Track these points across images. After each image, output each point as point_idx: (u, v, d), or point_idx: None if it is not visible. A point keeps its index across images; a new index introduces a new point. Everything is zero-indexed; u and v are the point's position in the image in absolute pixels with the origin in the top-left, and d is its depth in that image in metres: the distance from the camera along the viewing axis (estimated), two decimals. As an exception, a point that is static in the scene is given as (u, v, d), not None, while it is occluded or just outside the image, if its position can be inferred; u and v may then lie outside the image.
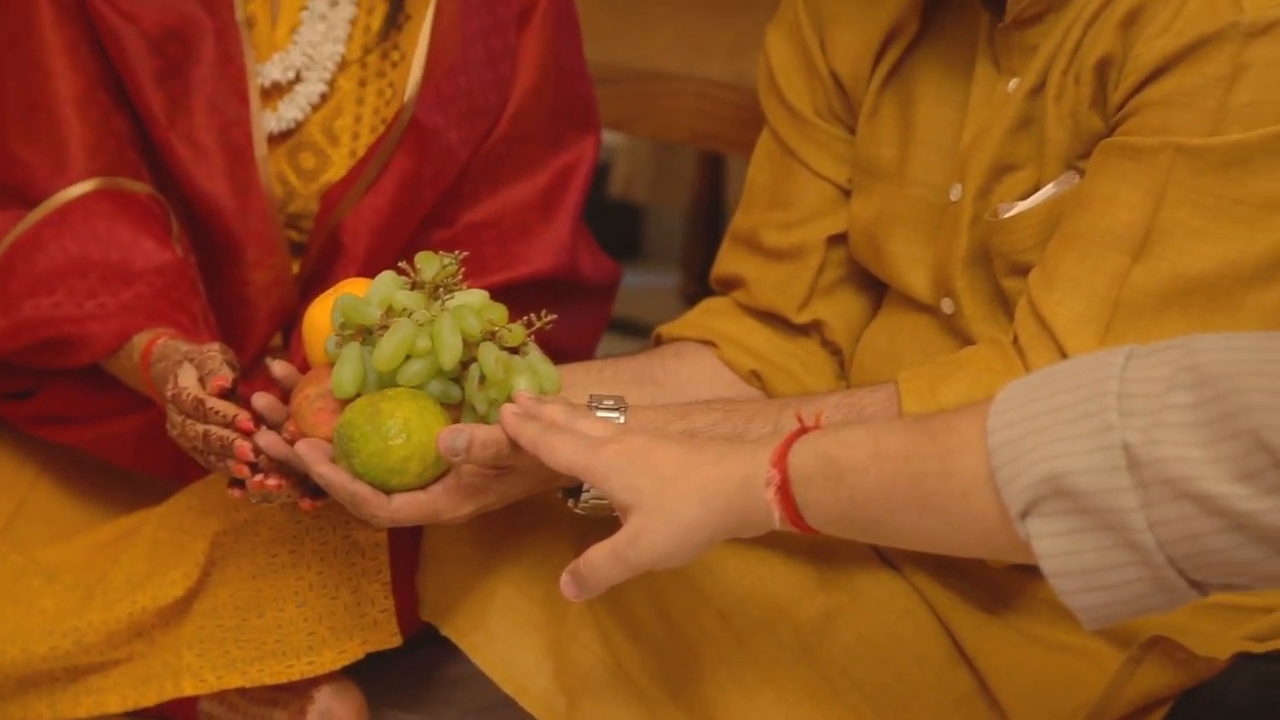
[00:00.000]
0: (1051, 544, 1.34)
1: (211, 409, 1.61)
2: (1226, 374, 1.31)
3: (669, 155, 3.54)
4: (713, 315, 1.86)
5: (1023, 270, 1.66)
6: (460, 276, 1.59)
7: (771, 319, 1.84)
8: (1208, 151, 1.56)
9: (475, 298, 1.59)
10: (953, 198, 1.71)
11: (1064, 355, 1.59)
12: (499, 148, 1.93)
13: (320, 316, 1.63)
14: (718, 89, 2.73)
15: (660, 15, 2.85)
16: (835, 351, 1.83)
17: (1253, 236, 1.56)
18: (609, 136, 3.24)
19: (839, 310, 1.82)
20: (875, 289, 1.82)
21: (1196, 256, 1.57)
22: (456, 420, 1.58)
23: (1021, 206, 1.67)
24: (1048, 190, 1.66)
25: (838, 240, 1.81)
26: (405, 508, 1.58)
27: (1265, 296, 1.57)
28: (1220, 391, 1.31)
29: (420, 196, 1.90)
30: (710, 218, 3.35)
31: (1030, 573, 1.56)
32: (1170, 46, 1.57)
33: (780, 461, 1.44)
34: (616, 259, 2.10)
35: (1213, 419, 1.30)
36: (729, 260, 1.87)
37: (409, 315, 1.57)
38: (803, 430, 1.46)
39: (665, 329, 1.88)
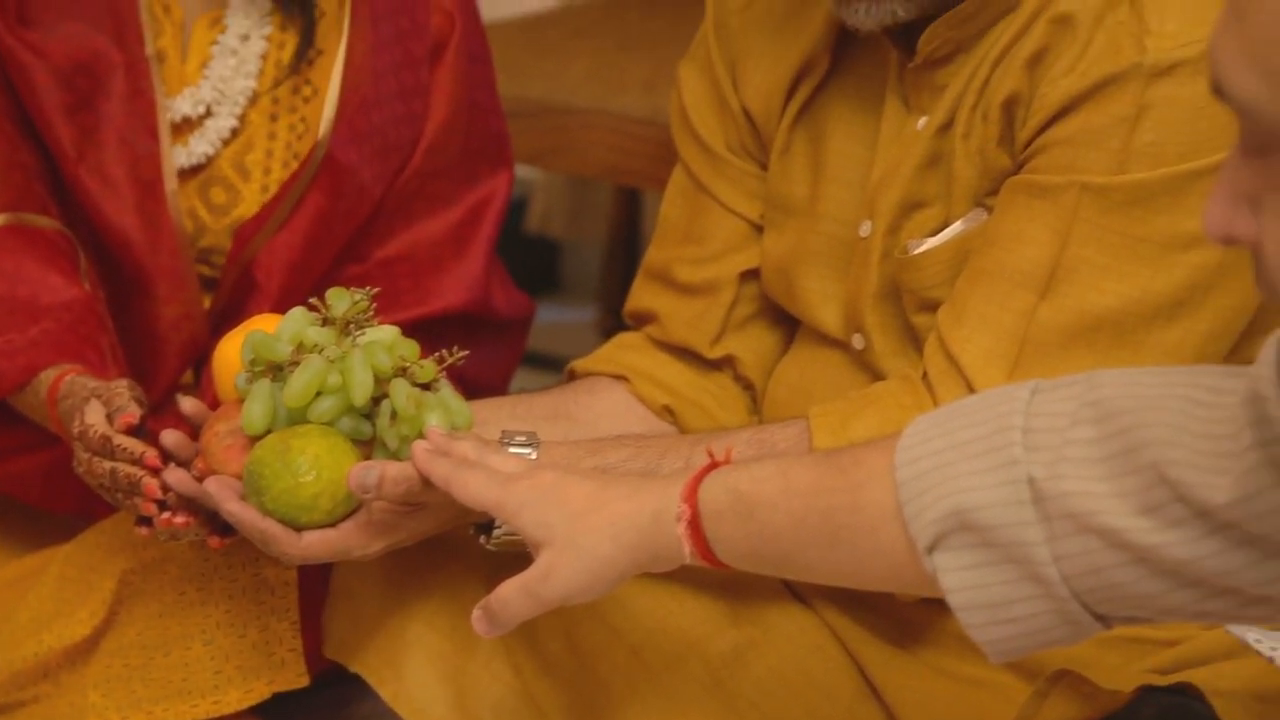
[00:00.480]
0: (958, 578, 1.35)
1: (119, 446, 1.60)
2: (1129, 409, 1.32)
3: (585, 190, 3.55)
4: (626, 350, 1.86)
5: (932, 306, 1.68)
6: (372, 312, 1.59)
7: (684, 354, 1.85)
8: (1112, 190, 1.58)
9: (387, 334, 1.59)
10: (863, 234, 1.72)
11: (972, 391, 1.60)
12: (412, 183, 1.93)
13: (230, 353, 1.63)
14: (633, 124, 2.74)
15: (575, 50, 2.86)
16: (748, 387, 1.84)
17: (1156, 274, 1.58)
18: (526, 171, 3.24)
19: (751, 345, 1.83)
20: (787, 324, 1.83)
21: (1102, 294, 1.59)
22: (368, 457, 1.58)
23: (930, 243, 1.68)
24: (956, 227, 1.67)
25: (750, 276, 1.82)
26: (315, 545, 1.57)
27: (1168, 333, 1.59)
28: (1123, 426, 1.32)
29: (334, 233, 1.90)
30: (627, 252, 3.36)
31: (938, 607, 1.57)
32: (1075, 86, 1.59)
33: (691, 496, 1.44)
34: (534, 293, 2.11)
35: (1115, 453, 1.32)
36: (642, 295, 1.87)
37: (320, 351, 1.57)
38: (713, 465, 1.47)
39: (578, 364, 1.88)
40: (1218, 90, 1.07)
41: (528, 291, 2.08)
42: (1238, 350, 1.63)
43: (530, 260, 3.58)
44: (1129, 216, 1.58)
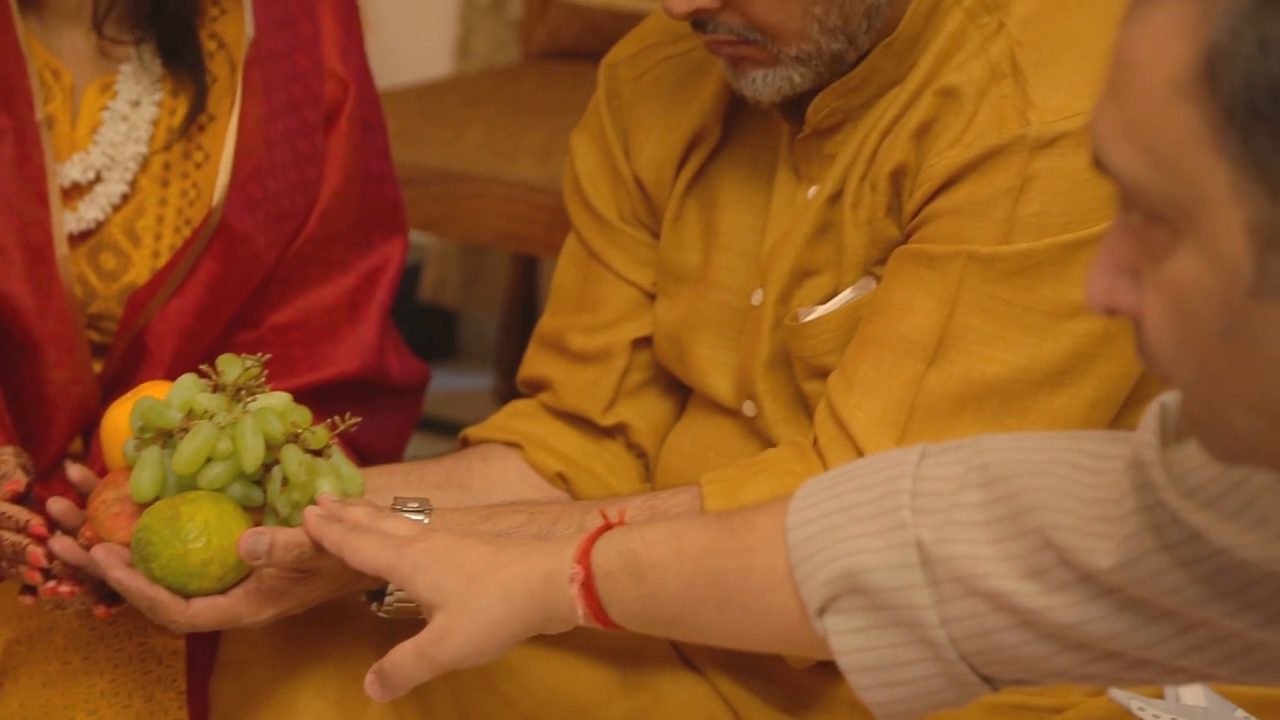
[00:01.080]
0: (848, 640, 1.36)
1: (3, 514, 1.59)
2: (1014, 473, 1.34)
3: (479, 257, 3.55)
4: (519, 418, 1.87)
5: (822, 373, 1.69)
6: (263, 379, 1.59)
7: (577, 421, 1.85)
8: (998, 260, 1.60)
9: (278, 400, 1.59)
10: (754, 302, 1.73)
11: (861, 457, 1.61)
12: (306, 250, 1.93)
13: (119, 420, 1.62)
14: (527, 191, 2.75)
15: (471, 118, 2.87)
16: (640, 455, 1.85)
17: (1041, 343, 1.60)
18: (419, 239, 3.25)
19: (644, 413, 1.84)
20: (679, 392, 1.84)
21: (989, 362, 1.61)
22: (258, 524, 1.58)
23: (820, 311, 1.69)
24: (846, 295, 1.69)
25: (643, 343, 1.83)
26: (204, 612, 1.56)
27: (1054, 400, 1.61)
28: (1008, 490, 1.33)
29: (227, 300, 1.89)
30: (523, 319, 3.36)
31: (830, 673, 1.58)
32: (961, 158, 1.61)
33: (584, 558, 1.45)
34: (432, 359, 2.11)
35: (1001, 517, 1.33)
36: (536, 363, 1.88)
37: (210, 418, 1.57)
38: (607, 527, 1.47)
39: (471, 431, 1.88)
40: (1099, 164, 1.09)
41: (426, 357, 2.08)
42: (1121, 417, 1.65)
43: (428, 326, 3.58)
44: (1015, 286, 1.60)
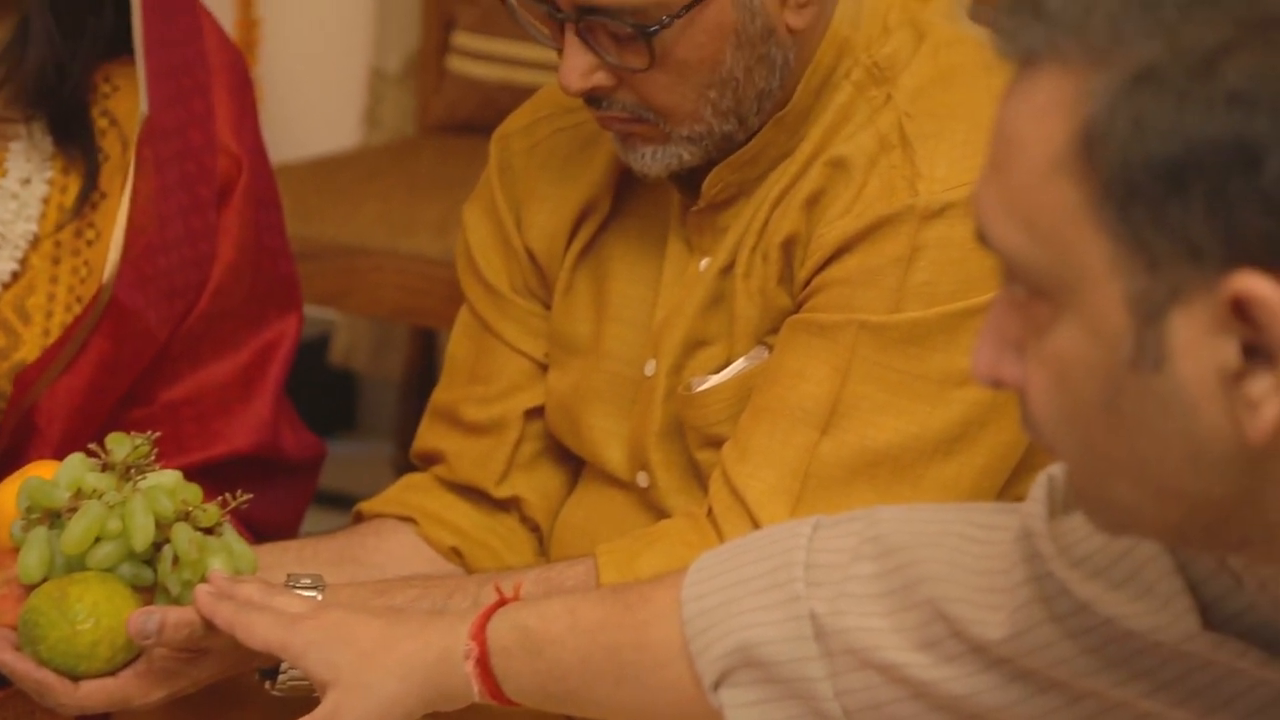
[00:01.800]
0: (744, 714, 1.36)
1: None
2: (906, 545, 1.34)
3: (389, 325, 3.54)
4: (412, 491, 1.86)
5: (716, 443, 1.69)
6: (153, 457, 1.58)
7: (471, 494, 1.85)
8: (889, 328, 1.61)
9: (169, 478, 1.58)
10: (647, 373, 1.74)
11: (757, 527, 1.62)
12: (199, 326, 1.92)
13: (5, 501, 1.60)
14: (425, 264, 2.75)
15: (367, 192, 2.87)
16: (534, 528, 1.85)
17: (933, 411, 1.61)
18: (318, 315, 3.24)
19: (537, 485, 1.84)
20: (573, 463, 1.84)
21: (881, 430, 1.62)
22: (149, 603, 1.56)
23: (713, 380, 1.70)
24: (738, 365, 1.70)
25: (536, 414, 1.83)
26: (94, 694, 1.55)
27: (946, 468, 1.62)
28: (901, 562, 1.34)
29: (118, 377, 1.88)
30: (422, 390, 3.35)
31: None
32: (851, 227, 1.62)
33: (479, 634, 1.44)
34: (330, 431, 2.10)
35: (894, 589, 1.33)
36: (429, 435, 1.87)
37: (99, 497, 1.55)
38: (502, 602, 1.47)
39: (365, 506, 1.88)
40: (981, 238, 1.10)
41: (324, 428, 2.07)
42: (1011, 484, 1.66)
43: (328, 397, 3.56)
44: (906, 354, 1.61)
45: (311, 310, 2.06)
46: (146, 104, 1.87)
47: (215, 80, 1.94)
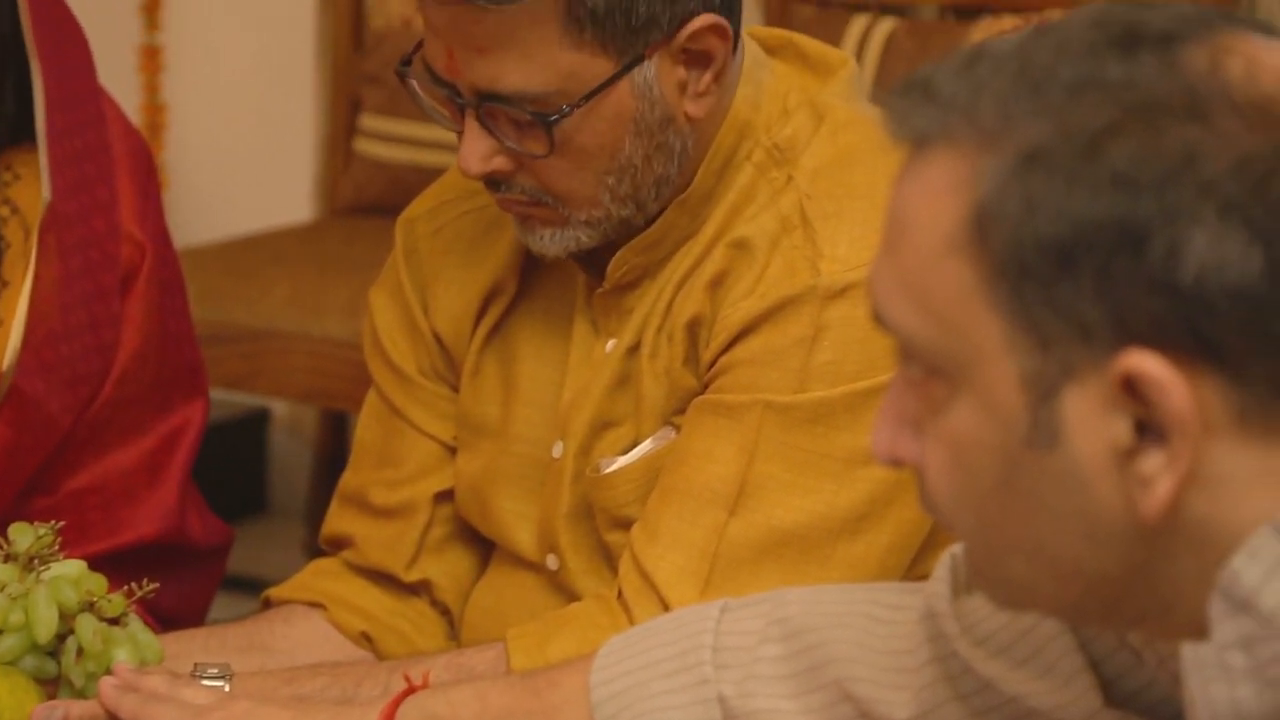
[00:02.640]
0: (653, 797, 1.36)
1: None
2: (814, 626, 1.35)
3: (299, 407, 3.53)
4: (321, 576, 1.85)
5: (625, 524, 1.69)
6: (56, 546, 1.57)
7: (381, 579, 1.84)
8: (794, 408, 1.62)
9: (73, 568, 1.57)
10: (555, 455, 1.74)
11: (667, 608, 1.62)
12: (103, 413, 1.91)
13: (-95, 594, 1.58)
14: (334, 346, 2.75)
15: (276, 276, 2.86)
16: (445, 611, 1.84)
17: (839, 490, 1.62)
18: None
19: (447, 569, 1.83)
20: (483, 545, 1.84)
21: (788, 509, 1.62)
22: (53, 696, 1.55)
23: (621, 462, 1.70)
24: (645, 446, 1.70)
25: (445, 497, 1.83)
26: (-4, 789, 1.53)
27: (853, 547, 1.62)
28: (808, 644, 1.34)
29: (20, 466, 1.86)
30: (334, 472, 3.34)
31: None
32: (755, 308, 1.63)
33: (388, 722, 1.43)
34: (241, 514, 2.09)
35: (801, 670, 1.34)
36: (338, 520, 1.87)
37: (1, 589, 1.54)
38: (410, 690, 1.46)
39: (274, 592, 1.86)
40: (877, 318, 1.11)
41: (233, 511, 2.06)
42: (918, 562, 1.66)
43: (238, 480, 3.55)
44: (811, 433, 1.62)
45: (219, 393, 2.05)
46: (49, 191, 1.86)
47: (118, 167, 1.93)
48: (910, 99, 1.08)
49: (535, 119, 1.61)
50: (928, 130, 1.07)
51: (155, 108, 3.46)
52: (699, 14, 1.62)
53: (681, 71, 1.64)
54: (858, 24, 2.88)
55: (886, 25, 2.86)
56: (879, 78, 2.83)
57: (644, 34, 1.60)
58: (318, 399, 2.92)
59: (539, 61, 1.59)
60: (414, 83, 1.68)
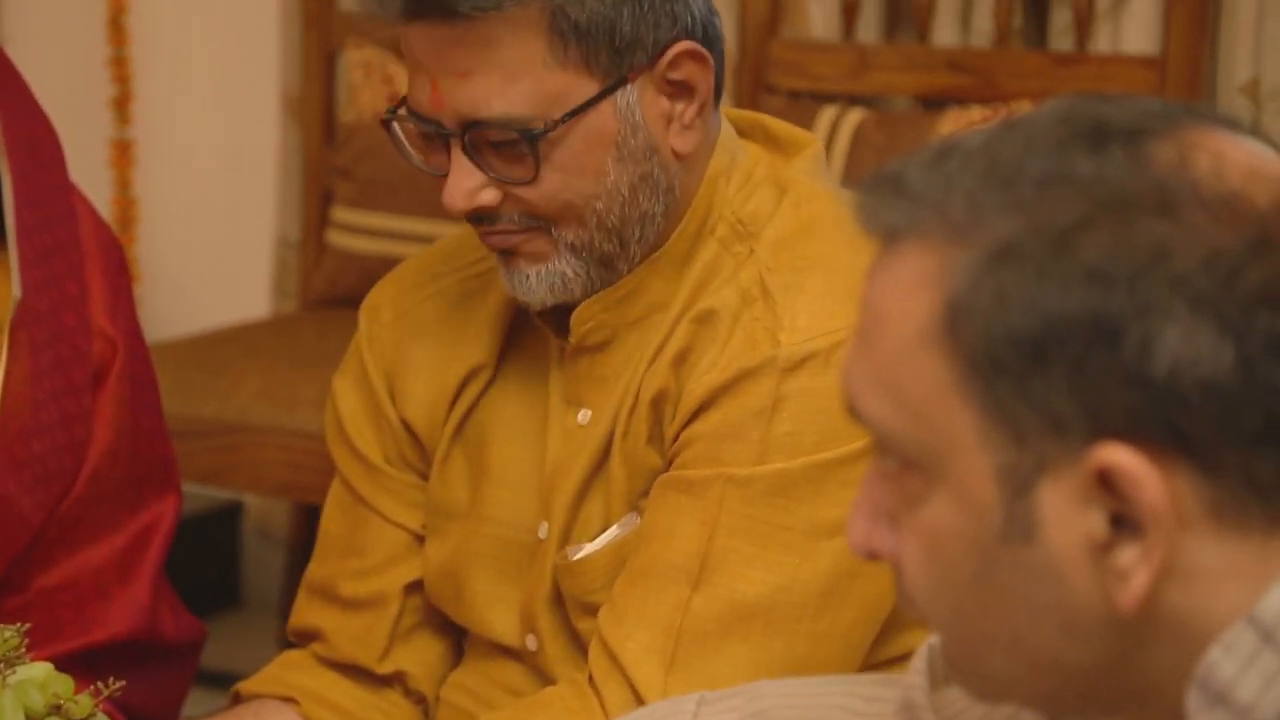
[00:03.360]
0: None
1: None
2: (789, 719, 1.34)
3: (272, 501, 3.52)
4: (292, 670, 1.84)
5: (594, 611, 1.69)
6: (23, 649, 1.55)
7: (353, 671, 1.82)
8: (755, 480, 1.62)
9: (39, 671, 1.55)
10: (540, 535, 1.73)
11: (633, 688, 1.61)
12: (75, 510, 1.90)
13: (-127, 696, 1.57)
14: (307, 440, 2.74)
15: (248, 369, 2.85)
16: (419, 700, 1.83)
17: (802, 563, 1.61)
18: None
19: (420, 658, 1.82)
20: (456, 632, 1.82)
21: (751, 583, 1.62)
22: (23, 798, 1.53)
23: (589, 549, 1.70)
24: (612, 532, 1.70)
25: (415, 587, 1.81)
26: None
27: (818, 622, 1.62)
28: (783, 737, 1.33)
29: (-10, 564, 1.85)
30: (306, 566, 3.32)
31: None
32: (715, 381, 1.64)
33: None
34: (215, 608, 2.07)
35: (777, 763, 1.33)
36: (306, 612, 1.85)
37: (-32, 693, 1.53)
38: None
39: (244, 686, 1.85)
40: (852, 412, 1.11)
41: (209, 606, 2.04)
42: (884, 642, 1.66)
43: (210, 574, 3.53)
44: (772, 506, 1.62)
45: (191, 487, 2.04)
46: (19, 288, 1.86)
47: (89, 263, 1.93)
48: (880, 194, 1.09)
49: (519, 138, 1.61)
50: (899, 225, 1.08)
51: (127, 201, 3.46)
52: (680, 39, 1.64)
53: (665, 103, 1.65)
54: (827, 114, 2.89)
55: (855, 116, 2.88)
56: (848, 168, 2.84)
57: (627, 55, 1.62)
58: (291, 492, 2.90)
59: (523, 83, 1.61)
60: (397, 128, 1.69)
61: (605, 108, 1.63)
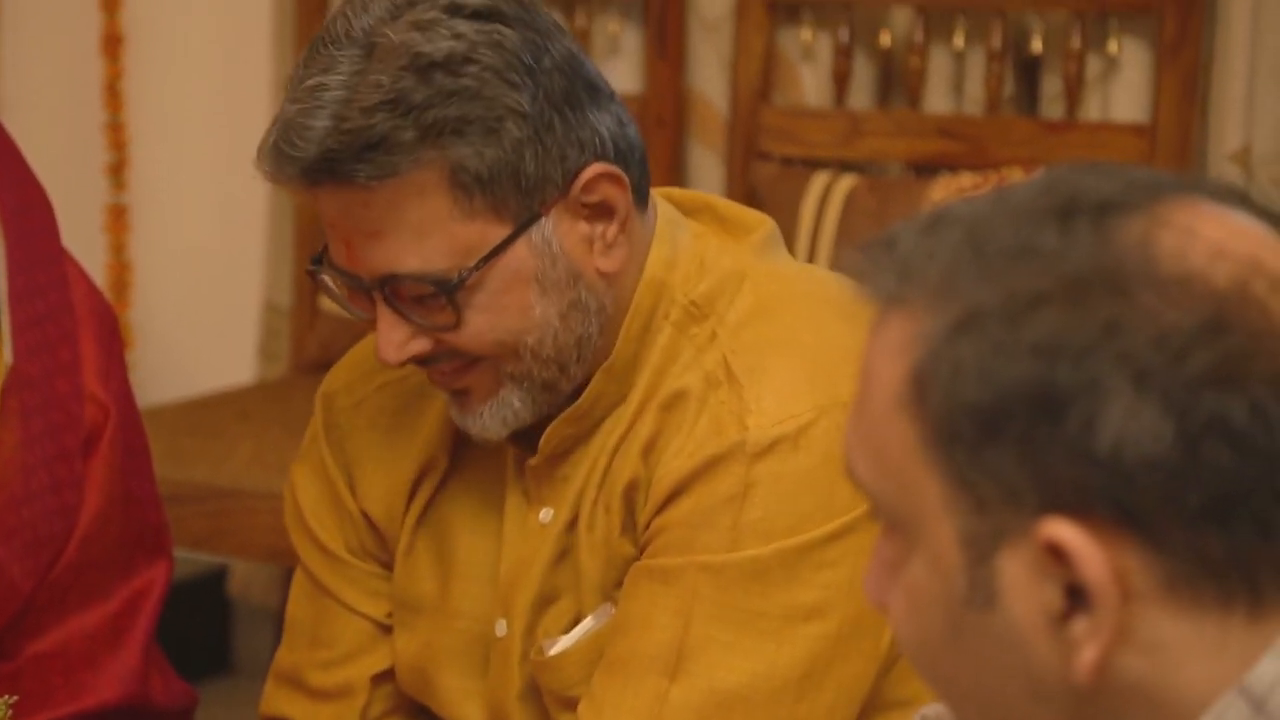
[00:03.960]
0: None
1: None
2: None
3: (264, 565, 3.51)
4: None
5: (573, 705, 1.66)
6: (10, 717, 1.55)
7: None
8: (728, 567, 1.61)
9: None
10: (499, 633, 1.71)
11: None
12: (65, 576, 1.89)
13: None
14: (298, 505, 2.73)
15: (240, 434, 2.85)
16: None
17: (779, 649, 1.60)
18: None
19: None
20: (426, 715, 1.80)
21: (730, 670, 1.60)
22: None
23: (564, 643, 1.68)
24: (587, 624, 1.68)
25: (384, 676, 1.79)
26: None
27: (798, 708, 1.61)
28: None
29: (-20, 631, 1.85)
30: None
31: None
32: (685, 468, 1.62)
33: None
34: (207, 673, 2.06)
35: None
36: (276, 699, 1.82)
37: (-42, 761, 1.52)
38: None
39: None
40: (850, 474, 1.12)
41: (199, 672, 2.04)
42: (863, 719, 1.65)
43: (201, 639, 3.52)
44: (747, 592, 1.60)
45: (181, 552, 2.04)
46: (11, 354, 1.86)
47: (82, 328, 1.93)
48: (875, 259, 1.10)
49: (437, 290, 1.59)
50: (889, 289, 1.09)
51: (121, 266, 3.47)
52: (590, 163, 1.61)
53: (584, 226, 1.62)
54: (819, 180, 2.90)
55: (847, 182, 2.89)
56: (840, 233, 2.85)
57: (536, 193, 1.59)
58: (282, 559, 2.89)
59: (434, 238, 1.58)
60: (325, 278, 1.66)
61: (520, 247, 1.60)
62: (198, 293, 3.50)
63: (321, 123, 1.56)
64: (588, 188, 1.61)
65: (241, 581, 3.45)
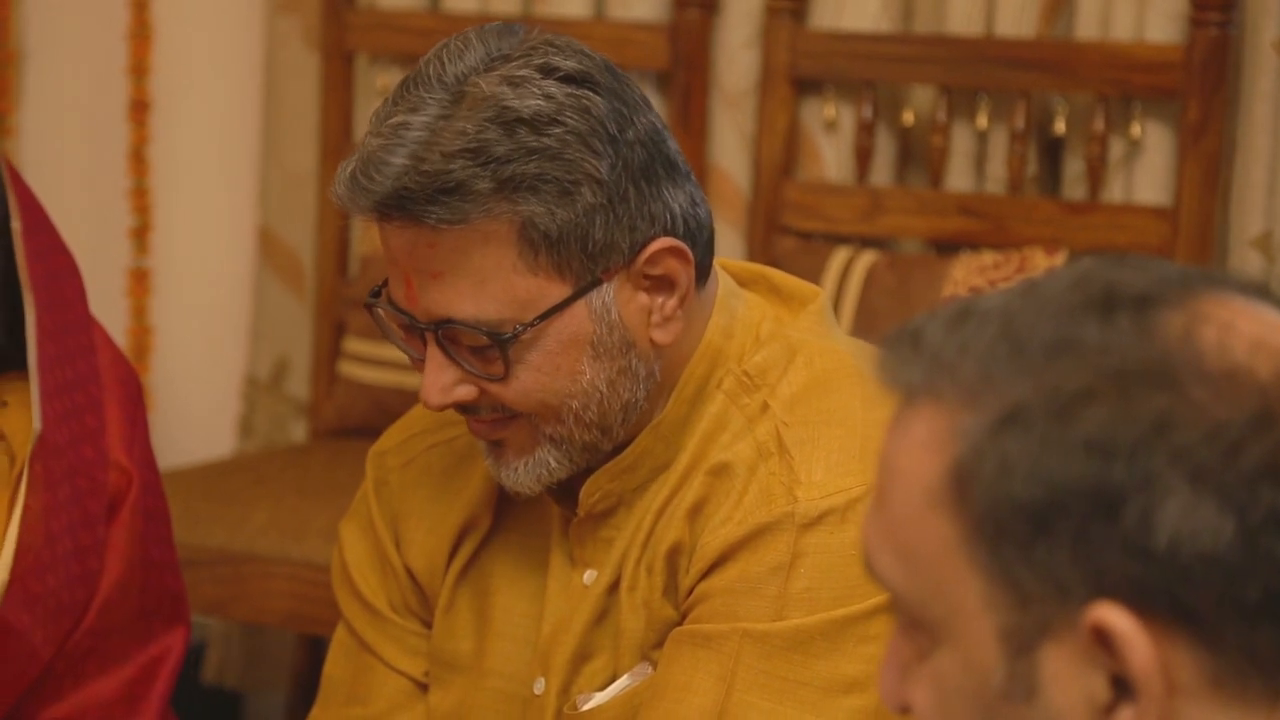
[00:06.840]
0: None
1: None
2: None
3: (263, 638, 3.49)
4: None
5: None
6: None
7: None
8: (772, 636, 1.61)
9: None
10: (536, 691, 1.72)
11: None
12: (85, 642, 1.90)
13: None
14: (314, 571, 2.73)
15: (256, 499, 2.85)
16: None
17: (818, 719, 1.60)
18: (203, 619, 3.20)
19: None
20: None
21: None
22: None
23: (599, 699, 1.69)
24: (623, 682, 1.69)
25: None
26: None
27: None
28: None
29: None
30: (308, 700, 3.30)
31: None
32: (733, 535, 1.63)
33: None
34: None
35: None
36: None
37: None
38: None
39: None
40: (870, 569, 1.11)
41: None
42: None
43: (212, 708, 3.51)
44: (790, 661, 1.61)
45: (196, 616, 2.04)
46: (39, 421, 1.87)
47: (107, 395, 1.94)
48: (900, 351, 1.10)
49: (490, 341, 1.61)
50: (916, 383, 1.09)
51: (143, 330, 3.48)
52: (657, 238, 1.63)
53: (644, 297, 1.64)
54: (839, 256, 2.91)
55: (868, 258, 2.89)
56: (860, 309, 2.85)
57: (601, 259, 1.61)
58: (297, 624, 2.89)
59: (493, 287, 1.60)
60: (381, 312, 1.69)
61: (579, 309, 1.62)
62: (216, 357, 3.50)
63: (400, 160, 1.58)
64: (652, 260, 1.63)
65: (219, 661, 3.41)
